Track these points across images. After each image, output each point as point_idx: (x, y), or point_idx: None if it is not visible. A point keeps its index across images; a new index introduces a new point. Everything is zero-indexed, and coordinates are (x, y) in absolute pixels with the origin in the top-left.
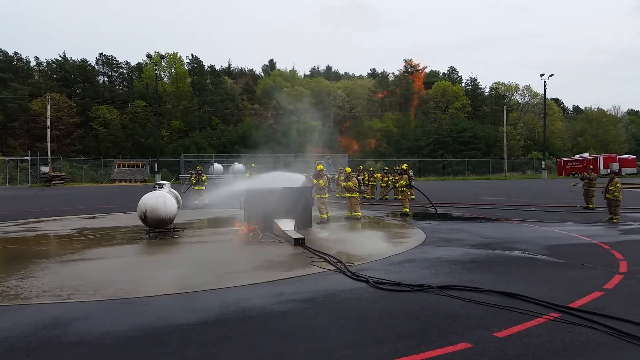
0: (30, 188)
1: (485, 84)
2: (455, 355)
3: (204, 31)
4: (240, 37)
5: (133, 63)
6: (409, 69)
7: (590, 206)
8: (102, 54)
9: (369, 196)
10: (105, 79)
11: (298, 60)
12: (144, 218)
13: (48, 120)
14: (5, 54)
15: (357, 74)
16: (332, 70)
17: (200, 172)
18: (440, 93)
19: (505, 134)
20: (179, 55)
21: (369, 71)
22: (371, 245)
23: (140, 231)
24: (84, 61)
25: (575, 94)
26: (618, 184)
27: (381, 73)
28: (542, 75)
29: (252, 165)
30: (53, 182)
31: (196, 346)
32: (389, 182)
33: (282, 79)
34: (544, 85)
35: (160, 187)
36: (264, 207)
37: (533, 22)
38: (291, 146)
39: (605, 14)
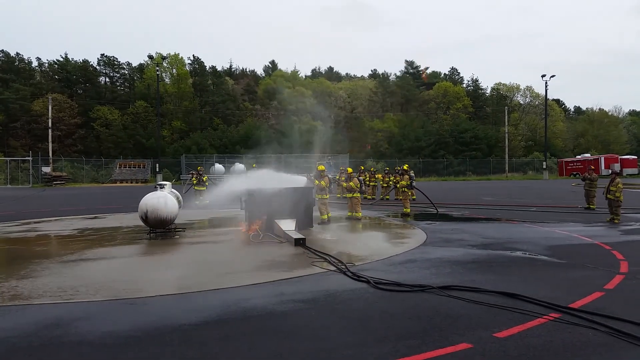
0: (31, 188)
1: (487, 84)
2: (456, 355)
3: (205, 32)
4: (241, 38)
5: (134, 64)
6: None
7: (592, 207)
8: (103, 54)
9: (369, 197)
10: (107, 79)
11: (299, 60)
12: (145, 218)
13: (49, 120)
14: (7, 54)
15: (359, 75)
16: (334, 70)
17: (201, 172)
18: (441, 94)
19: (506, 135)
20: (180, 56)
21: (370, 72)
22: (372, 245)
23: (142, 231)
24: (85, 62)
25: (576, 94)
26: (619, 185)
27: (382, 74)
28: (543, 76)
29: (253, 165)
30: (54, 182)
31: (197, 346)
32: (390, 182)
33: (284, 79)
34: (545, 86)
35: (161, 188)
36: (264, 208)
37: (533, 22)
38: (292, 147)
39: (606, 14)
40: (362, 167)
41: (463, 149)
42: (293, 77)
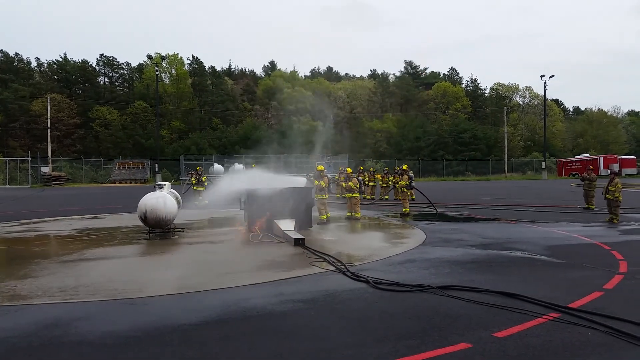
0: (30, 188)
1: (486, 84)
2: (456, 355)
3: (205, 32)
4: (240, 38)
5: (134, 64)
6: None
7: (591, 207)
8: (102, 54)
9: (369, 197)
10: (106, 79)
11: (299, 60)
12: (144, 218)
13: (49, 121)
14: (6, 54)
15: (358, 75)
16: (333, 71)
17: (200, 172)
18: (440, 94)
19: (505, 135)
20: (179, 56)
21: (370, 72)
22: (371, 245)
23: (141, 231)
24: (84, 62)
25: (575, 94)
26: (618, 185)
27: (381, 74)
28: (542, 76)
29: (253, 165)
30: (53, 182)
31: (197, 346)
32: (389, 182)
33: (283, 79)
34: (545, 86)
35: (160, 188)
36: (264, 208)
37: (533, 22)
38: (291, 147)
39: (606, 14)
40: (362, 167)
41: (462, 149)
42: (292, 77)
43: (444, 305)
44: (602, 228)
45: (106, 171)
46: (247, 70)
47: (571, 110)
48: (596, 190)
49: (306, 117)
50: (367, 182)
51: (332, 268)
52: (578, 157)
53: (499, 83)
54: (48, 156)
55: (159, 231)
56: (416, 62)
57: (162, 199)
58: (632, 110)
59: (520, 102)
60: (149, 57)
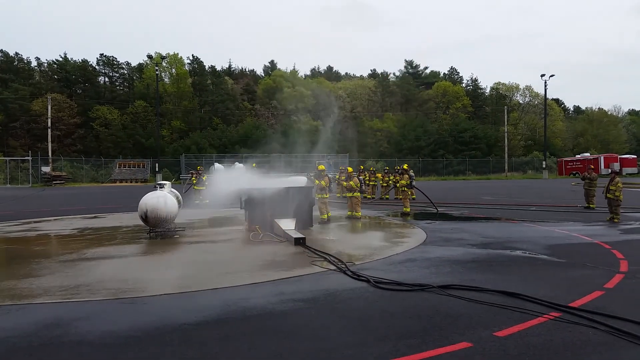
0: (31, 188)
1: (486, 84)
2: (456, 354)
3: (205, 32)
4: (240, 38)
5: (134, 64)
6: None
7: (591, 206)
8: (103, 54)
9: (369, 196)
10: (106, 79)
11: (299, 60)
12: (145, 218)
13: (49, 120)
14: (6, 54)
15: (358, 74)
16: (333, 70)
17: (201, 172)
18: (440, 93)
19: (506, 134)
20: (179, 56)
21: (370, 71)
22: (372, 244)
23: (141, 231)
24: (84, 62)
25: (576, 94)
26: (619, 184)
27: (382, 73)
28: (542, 75)
29: (254, 165)
30: (54, 182)
31: (197, 346)
32: (390, 182)
33: (283, 79)
34: (545, 86)
35: (161, 187)
36: (264, 207)
37: (533, 22)
38: (292, 146)
39: (606, 14)
40: (362, 167)
41: (462, 148)
42: (292, 76)
43: (444, 305)
44: (603, 227)
45: (107, 171)
46: (247, 69)
47: (571, 109)
48: (597, 189)
49: (306, 117)
50: (367, 182)
51: (333, 267)
52: (578, 156)
53: (499, 82)
54: (48, 156)
55: (160, 231)
56: (416, 62)
57: (162, 199)
58: (632, 109)
59: (521, 102)
60: (149, 56)
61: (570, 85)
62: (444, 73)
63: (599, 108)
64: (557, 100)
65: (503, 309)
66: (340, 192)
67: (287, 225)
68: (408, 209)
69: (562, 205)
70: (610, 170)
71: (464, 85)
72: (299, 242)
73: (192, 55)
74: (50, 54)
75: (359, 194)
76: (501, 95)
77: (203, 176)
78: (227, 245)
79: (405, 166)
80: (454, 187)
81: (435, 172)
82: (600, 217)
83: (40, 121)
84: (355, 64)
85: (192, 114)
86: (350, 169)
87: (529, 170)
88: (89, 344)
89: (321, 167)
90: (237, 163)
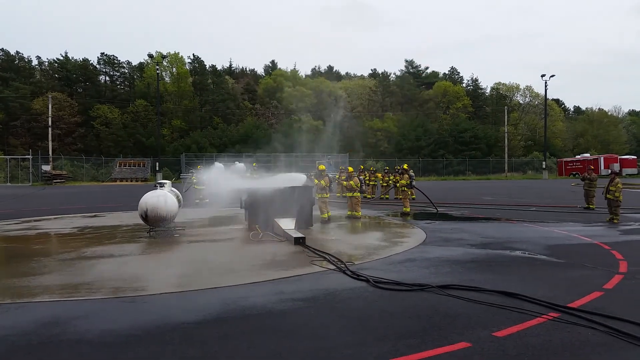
0: (31, 187)
1: (486, 84)
2: (455, 354)
3: (206, 31)
4: (241, 37)
5: (135, 63)
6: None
7: (591, 206)
8: (103, 53)
9: (369, 196)
10: (107, 78)
11: (299, 60)
12: (145, 217)
13: (49, 119)
14: (7, 53)
15: (358, 74)
16: (334, 70)
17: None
18: (441, 93)
19: (506, 134)
20: (180, 55)
21: (370, 71)
22: (371, 244)
23: (141, 230)
24: (85, 61)
25: (576, 94)
26: (619, 185)
27: (382, 73)
28: (543, 75)
29: (254, 164)
30: (54, 180)
31: (198, 345)
32: (390, 181)
33: (284, 78)
34: (545, 86)
35: (161, 186)
36: (264, 207)
37: (533, 22)
38: (292, 146)
39: (606, 14)
40: (362, 167)
41: (462, 148)
42: (293, 76)
43: (443, 305)
44: (603, 228)
45: (107, 169)
46: (247, 69)
47: (572, 110)
48: (596, 190)
49: (307, 116)
50: (367, 182)
51: (332, 267)
52: (578, 156)
53: (500, 82)
54: (49, 154)
55: (160, 230)
56: (417, 62)
57: (162, 198)
58: (632, 110)
59: (521, 102)
60: (150, 55)
61: (571, 86)
62: (444, 73)
63: (599, 108)
64: (557, 101)
65: (502, 309)
66: (341, 192)
67: (287, 224)
68: (408, 209)
69: (562, 205)
70: (610, 171)
71: (464, 85)
72: (299, 241)
73: (193, 54)
74: (51, 52)
75: (359, 194)
76: (501, 96)
77: (192, 176)
78: (227, 244)
79: (405, 166)
80: (454, 187)
81: (435, 172)
82: (600, 218)
83: (40, 120)
84: (356, 63)
85: (193, 113)
86: (350, 169)
87: (528, 171)
88: (89, 343)
89: (322, 167)
90: (237, 162)
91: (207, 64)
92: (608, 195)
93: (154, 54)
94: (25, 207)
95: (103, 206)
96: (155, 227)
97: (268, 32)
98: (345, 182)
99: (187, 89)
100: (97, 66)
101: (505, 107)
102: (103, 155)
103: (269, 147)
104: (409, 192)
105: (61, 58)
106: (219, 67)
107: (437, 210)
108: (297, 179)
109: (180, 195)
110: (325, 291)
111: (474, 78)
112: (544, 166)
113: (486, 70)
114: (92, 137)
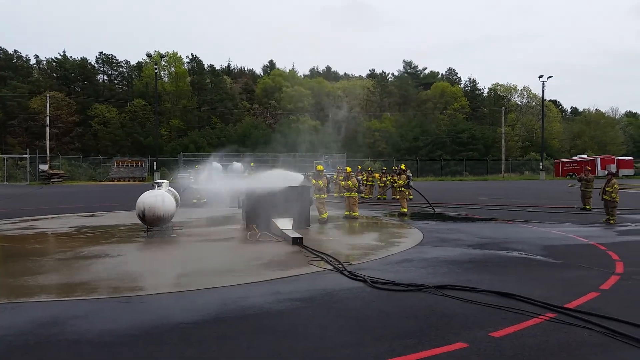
0: (28, 186)
1: (484, 85)
2: (452, 354)
3: (204, 31)
4: (240, 37)
5: (133, 62)
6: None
7: (588, 207)
8: (102, 52)
9: (367, 196)
10: (105, 77)
11: (298, 60)
12: (143, 216)
13: (47, 118)
14: (5, 52)
15: (357, 75)
16: (332, 70)
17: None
18: (439, 94)
19: (503, 135)
20: (178, 55)
21: (368, 71)
22: (369, 244)
23: (139, 229)
24: (83, 60)
25: (573, 95)
26: (615, 185)
27: (380, 74)
28: (540, 76)
29: (252, 164)
30: (52, 180)
31: (196, 345)
32: (387, 182)
33: (282, 78)
34: (543, 87)
35: (158, 186)
36: (262, 207)
37: (533, 23)
38: (290, 146)
39: (606, 14)
40: (360, 167)
41: (460, 149)
42: (291, 76)
43: (440, 305)
44: (599, 229)
45: (105, 169)
46: (246, 69)
47: (569, 110)
48: (593, 190)
49: (305, 116)
50: (365, 182)
51: (330, 267)
52: (575, 157)
53: (497, 83)
54: (46, 154)
55: (157, 229)
56: (415, 62)
57: (160, 197)
58: (629, 111)
59: (519, 103)
60: (148, 55)
61: (568, 86)
62: (442, 74)
63: (596, 109)
64: (554, 102)
65: (499, 310)
66: (338, 192)
67: (285, 224)
68: (405, 209)
69: (559, 206)
70: (607, 172)
71: (462, 85)
72: (296, 241)
73: (191, 54)
74: (49, 51)
75: (356, 194)
76: (499, 96)
77: (189, 176)
78: (224, 244)
79: (402, 166)
80: (451, 188)
81: (433, 172)
82: (597, 219)
83: (38, 119)
84: (354, 64)
85: (191, 113)
86: (348, 169)
87: (526, 171)
88: (87, 343)
89: (320, 167)
90: (234, 162)
91: (206, 63)
92: (605, 196)
93: (152, 53)
94: (22, 207)
95: (100, 206)
96: (153, 227)
97: (267, 32)
98: (343, 182)
99: (185, 88)
100: (95, 65)
101: (503, 108)
102: (101, 155)
103: (267, 147)
104: (407, 193)
105: (59, 57)
106: (217, 67)
107: (434, 211)
108: (292, 176)
109: (178, 195)
110: (322, 291)
111: (471, 79)
112: (541, 167)
113: (484, 71)
114: (89, 137)
